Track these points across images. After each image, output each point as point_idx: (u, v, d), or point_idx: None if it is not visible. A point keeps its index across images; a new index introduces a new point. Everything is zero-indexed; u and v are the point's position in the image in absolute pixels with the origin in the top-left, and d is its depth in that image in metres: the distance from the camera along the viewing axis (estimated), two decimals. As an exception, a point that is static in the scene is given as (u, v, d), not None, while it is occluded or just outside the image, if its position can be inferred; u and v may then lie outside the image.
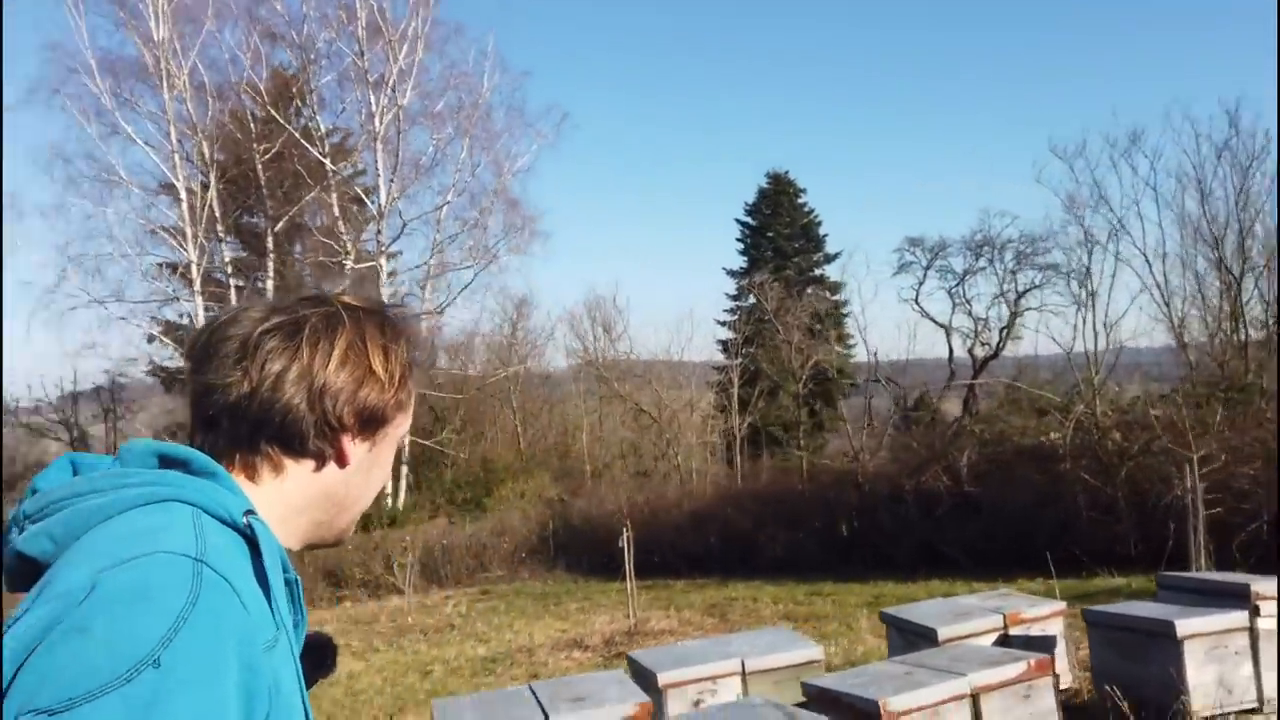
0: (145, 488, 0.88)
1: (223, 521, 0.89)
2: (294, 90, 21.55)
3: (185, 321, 21.72)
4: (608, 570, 14.35)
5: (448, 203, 22.26)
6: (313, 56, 21.57)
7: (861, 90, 53.29)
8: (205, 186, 20.30)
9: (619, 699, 4.04)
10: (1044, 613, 5.22)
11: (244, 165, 21.55)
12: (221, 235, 21.08)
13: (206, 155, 20.50)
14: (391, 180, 21.56)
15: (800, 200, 29.50)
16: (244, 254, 23.47)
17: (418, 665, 9.27)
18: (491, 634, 10.68)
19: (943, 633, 4.92)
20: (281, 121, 20.52)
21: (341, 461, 1.01)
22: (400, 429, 1.07)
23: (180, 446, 0.94)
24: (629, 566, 9.89)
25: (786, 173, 29.41)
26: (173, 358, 22.11)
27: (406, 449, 21.61)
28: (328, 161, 20.90)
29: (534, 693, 4.22)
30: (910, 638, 5.15)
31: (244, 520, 0.89)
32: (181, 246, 20.29)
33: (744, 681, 4.70)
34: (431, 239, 22.51)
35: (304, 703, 0.92)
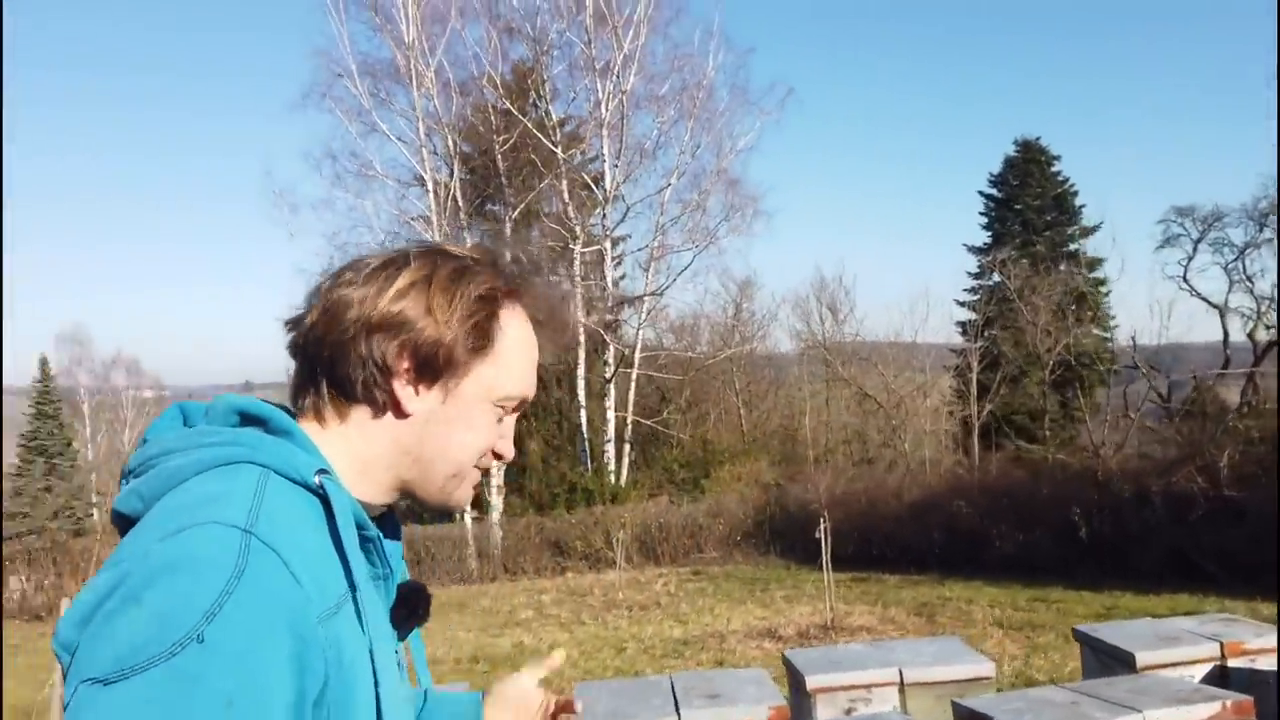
0: (220, 448, 0.88)
1: (295, 482, 0.88)
2: (529, 82, 22.55)
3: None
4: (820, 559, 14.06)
5: (669, 185, 22.52)
6: (545, 48, 22.50)
7: (1113, 48, 48.22)
8: (450, 177, 21.73)
9: (755, 699, 3.89)
10: (1273, 645, 4.46)
11: (485, 156, 22.88)
12: (465, 223, 22.50)
13: (451, 148, 21.93)
14: (616, 165, 22.10)
15: (1053, 169, 27.23)
16: (487, 241, 24.92)
17: (615, 641, 9.49)
18: (691, 616, 10.74)
19: (1142, 658, 4.31)
20: (517, 114, 21.56)
21: (398, 410, 0.95)
22: (488, 386, 0.98)
23: (260, 403, 0.94)
24: (826, 557, 9.58)
25: (1038, 139, 27.24)
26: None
27: (630, 427, 22.22)
28: (559, 150, 21.72)
29: (672, 685, 4.15)
30: (1106, 660, 4.58)
31: (315, 480, 0.88)
32: (430, 234, 21.86)
33: (901, 693, 4.38)
34: (654, 222, 22.88)
35: (377, 661, 0.87)
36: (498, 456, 1.01)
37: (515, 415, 1.03)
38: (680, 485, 21.03)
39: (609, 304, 22.45)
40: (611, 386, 21.78)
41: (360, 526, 0.90)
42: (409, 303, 0.94)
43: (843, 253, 76.76)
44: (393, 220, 22.26)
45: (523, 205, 22.56)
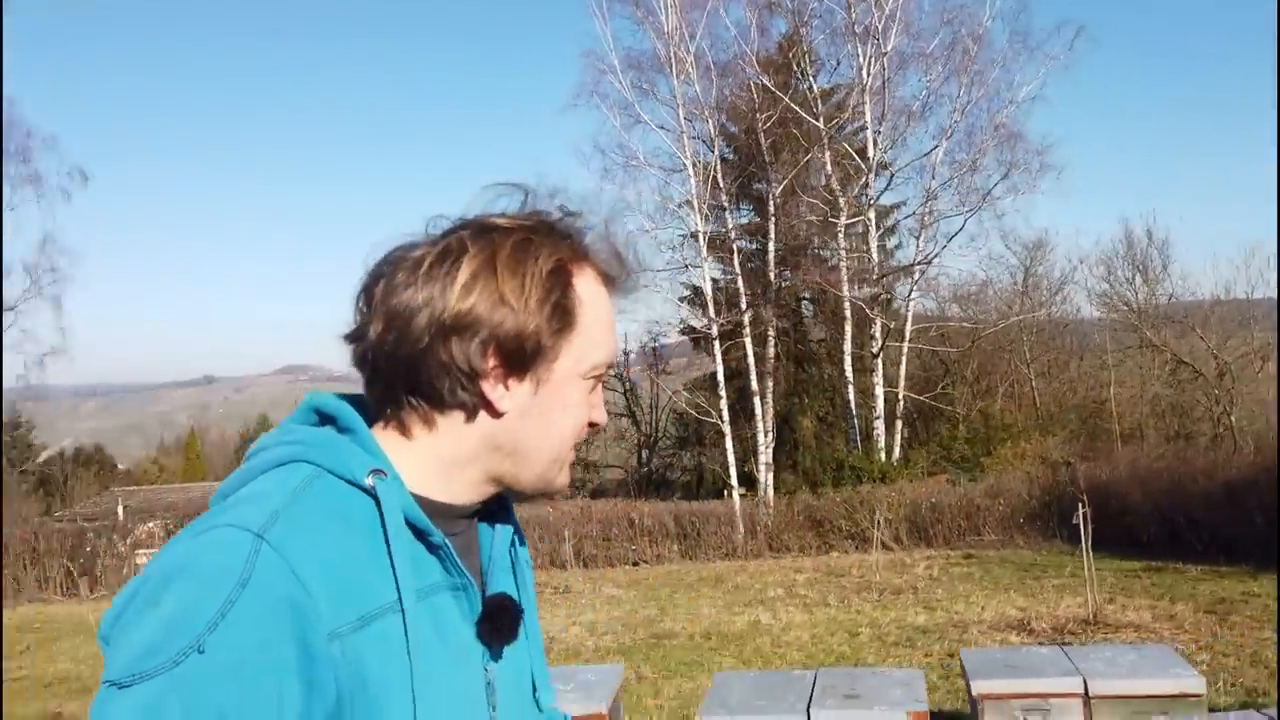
0: (285, 447, 0.88)
1: (349, 482, 0.86)
2: (790, 56, 22.19)
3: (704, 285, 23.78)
4: (1119, 546, 12.69)
5: (939, 146, 21.20)
6: (805, 18, 22.00)
7: None
8: (711, 160, 21.96)
9: (893, 703, 3.63)
10: None
11: (748, 135, 22.85)
12: (727, 204, 22.65)
13: (712, 130, 22.13)
14: (879, 131, 21.17)
15: None
16: (752, 219, 24.98)
17: (850, 626, 9.20)
18: (943, 603, 10.15)
19: None
20: (775, 91, 21.30)
21: (492, 411, 0.90)
22: (576, 362, 0.93)
23: (335, 400, 0.93)
24: (1085, 544, 8.63)
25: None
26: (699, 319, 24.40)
27: (902, 403, 21.31)
28: (820, 121, 21.20)
29: (814, 680, 3.97)
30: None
31: (368, 481, 0.85)
32: (693, 218, 22.26)
33: (1086, 706, 3.87)
34: (924, 187, 21.67)
35: (418, 683, 0.82)
36: (592, 427, 0.97)
37: (601, 381, 0.98)
38: (959, 464, 19.84)
39: (875, 275, 21.60)
40: (879, 361, 21.00)
41: (425, 534, 0.87)
42: (479, 296, 0.88)
43: (1153, 205, 67.81)
44: (657, 206, 22.86)
45: (786, 181, 22.28)
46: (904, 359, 21.61)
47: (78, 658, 10.12)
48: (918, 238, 21.91)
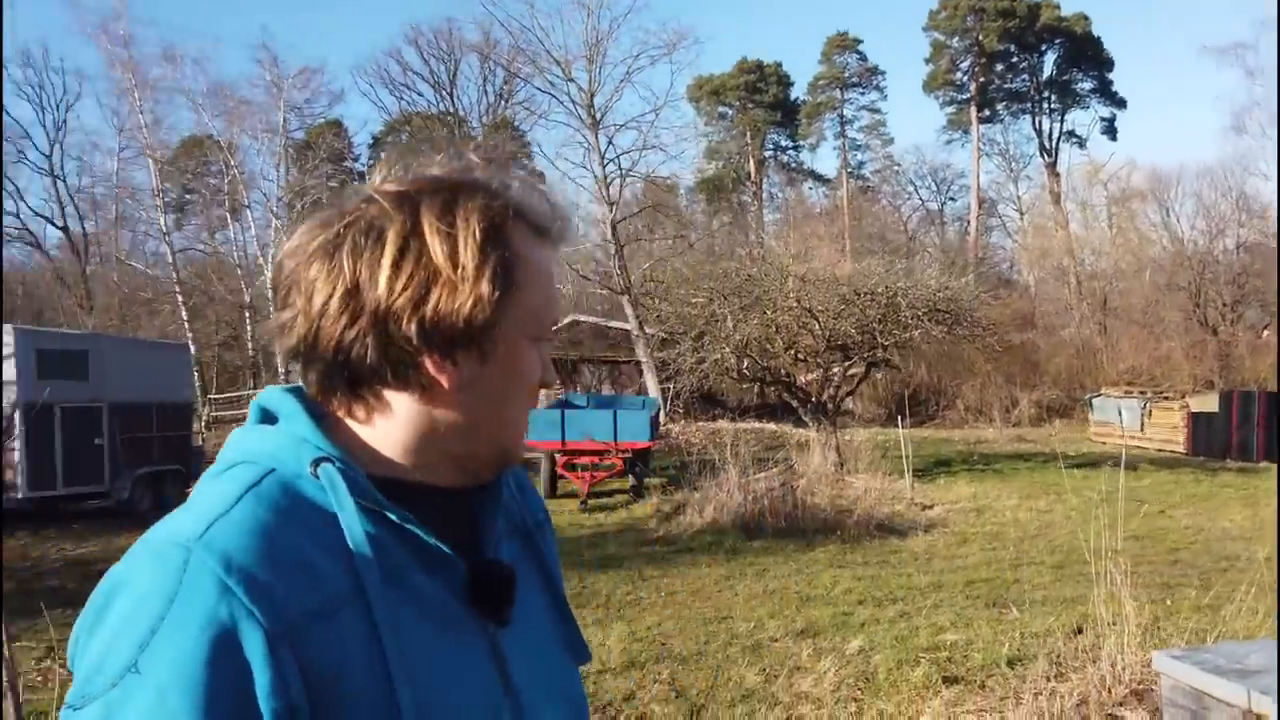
0: (230, 450, 0.86)
1: (296, 475, 0.82)
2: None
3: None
4: None
5: None
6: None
7: None
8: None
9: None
10: None
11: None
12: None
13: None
14: None
15: None
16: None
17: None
18: None
19: None
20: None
21: (438, 389, 0.84)
22: (522, 325, 0.86)
23: (279, 394, 0.89)
24: None
25: None
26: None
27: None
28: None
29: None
30: None
31: (310, 471, 0.81)
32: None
33: None
34: None
35: (394, 664, 0.77)
36: (544, 386, 0.92)
37: (544, 343, 0.91)
38: None
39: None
40: None
41: (387, 512, 0.81)
42: (411, 268, 0.81)
43: None
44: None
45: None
46: None
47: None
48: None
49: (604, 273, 24.15)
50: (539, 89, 25.69)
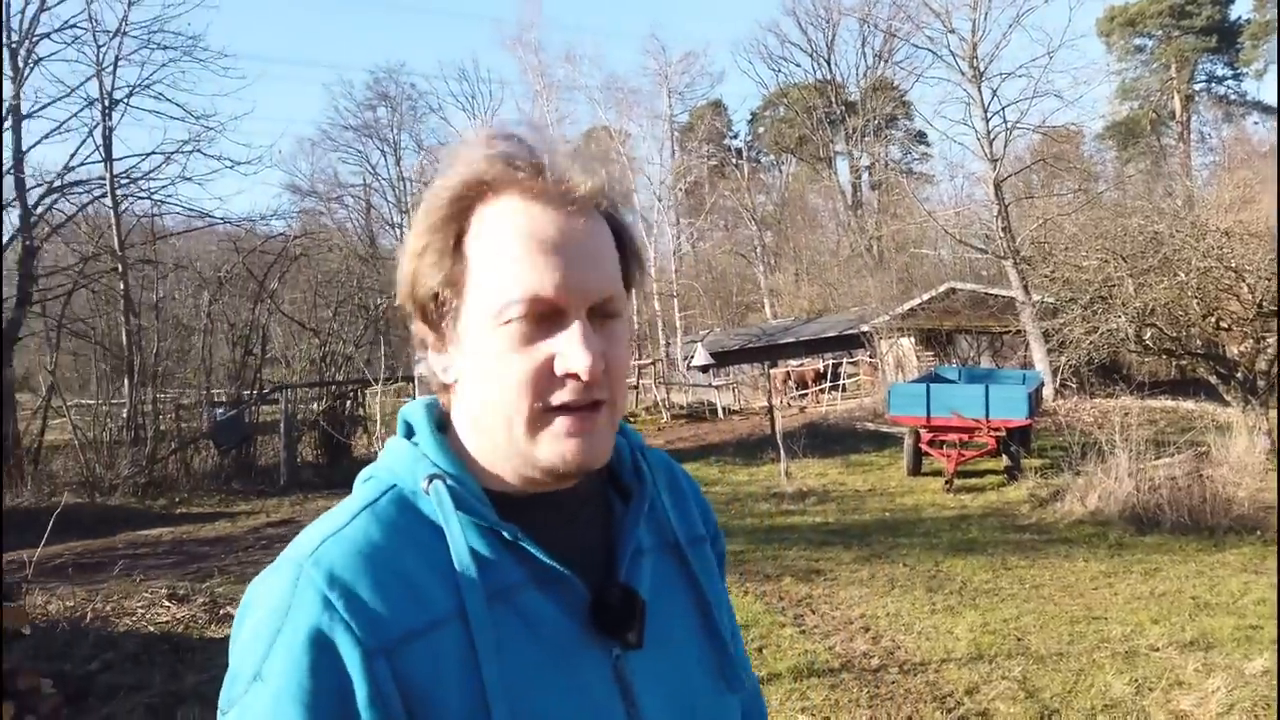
0: (372, 465, 0.89)
1: (414, 492, 0.84)
2: None
3: None
4: None
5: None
6: None
7: None
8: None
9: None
10: None
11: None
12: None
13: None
14: None
15: None
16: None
17: None
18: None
19: None
20: None
21: (447, 385, 0.87)
22: (484, 305, 0.80)
23: (415, 407, 0.90)
24: None
25: None
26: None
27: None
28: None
29: None
30: None
31: (423, 487, 0.82)
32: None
33: None
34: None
35: (489, 686, 0.77)
36: (572, 377, 0.79)
37: (578, 322, 0.79)
38: None
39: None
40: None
41: (496, 526, 0.82)
42: (401, 262, 0.85)
43: None
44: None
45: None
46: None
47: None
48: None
49: (985, 235, 22.61)
50: (917, 46, 24.70)
